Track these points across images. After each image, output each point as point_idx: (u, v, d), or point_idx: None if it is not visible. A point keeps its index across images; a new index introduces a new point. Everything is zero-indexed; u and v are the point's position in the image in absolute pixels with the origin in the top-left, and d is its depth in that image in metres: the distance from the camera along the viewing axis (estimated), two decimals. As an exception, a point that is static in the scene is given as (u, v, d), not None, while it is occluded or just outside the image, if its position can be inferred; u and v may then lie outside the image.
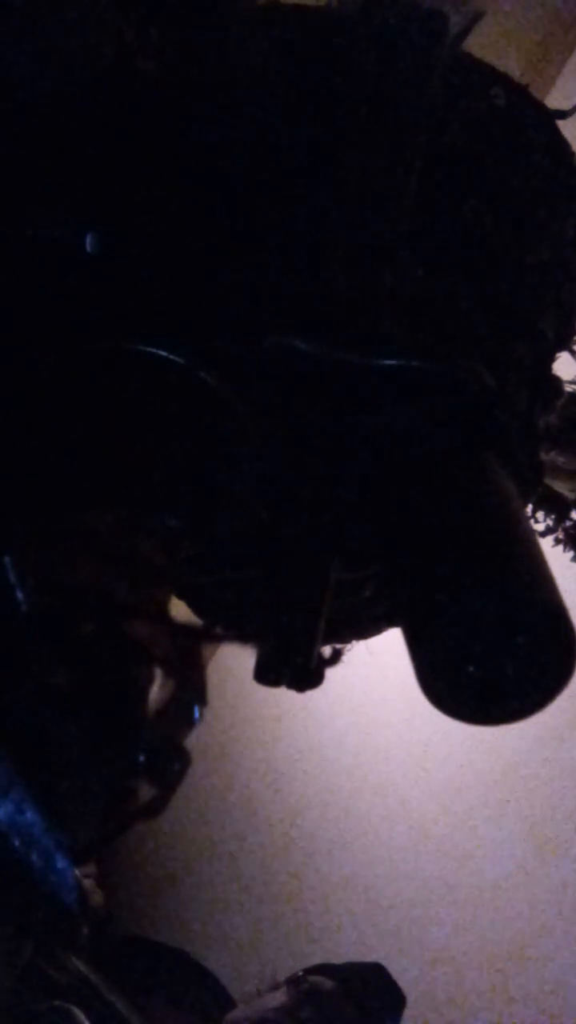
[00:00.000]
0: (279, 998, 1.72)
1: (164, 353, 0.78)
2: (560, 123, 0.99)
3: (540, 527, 1.31)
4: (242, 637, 0.91)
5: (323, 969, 1.80)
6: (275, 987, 1.79)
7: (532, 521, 1.29)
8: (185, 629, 0.89)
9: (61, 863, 0.72)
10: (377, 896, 2.49)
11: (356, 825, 2.59)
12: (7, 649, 0.75)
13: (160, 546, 0.85)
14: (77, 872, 0.75)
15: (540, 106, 0.98)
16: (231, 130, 0.83)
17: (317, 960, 1.91)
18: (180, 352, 0.78)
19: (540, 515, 1.31)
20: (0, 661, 0.75)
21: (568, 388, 1.07)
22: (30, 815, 0.71)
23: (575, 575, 1.05)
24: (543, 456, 1.07)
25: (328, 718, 2.67)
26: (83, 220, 0.78)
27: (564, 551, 1.32)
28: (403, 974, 1.90)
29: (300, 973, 1.77)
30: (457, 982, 2.26)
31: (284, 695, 0.87)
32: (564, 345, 1.07)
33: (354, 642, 1.04)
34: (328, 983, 1.73)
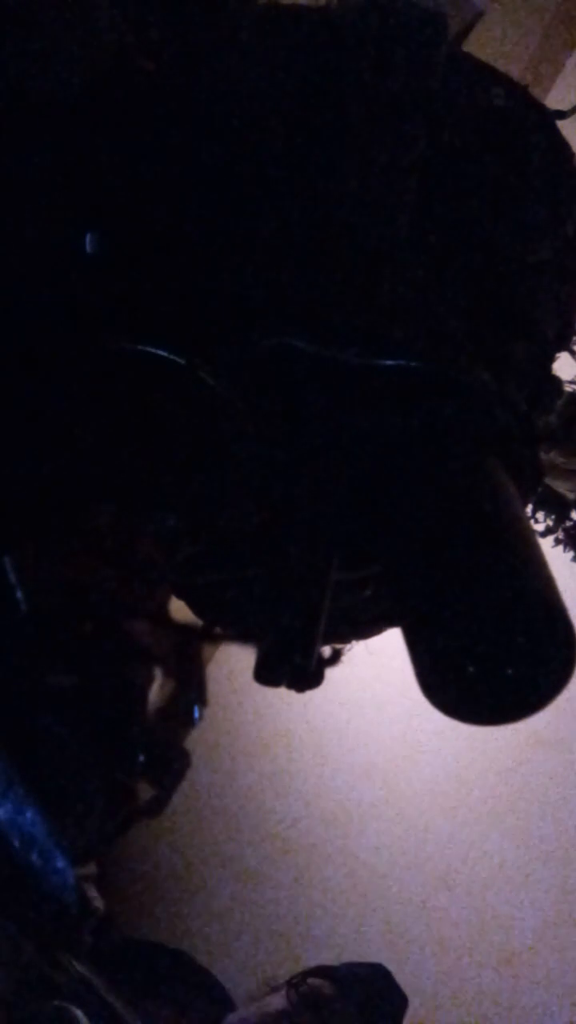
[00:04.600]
0: (279, 1001, 1.71)
1: (164, 353, 0.78)
2: (560, 123, 0.99)
3: (540, 527, 1.31)
4: (242, 637, 0.91)
5: (323, 971, 1.79)
6: (275, 989, 1.78)
7: (532, 521, 1.29)
8: (185, 629, 0.89)
9: (61, 863, 0.72)
10: (378, 896, 2.49)
11: (356, 825, 2.58)
12: (7, 649, 0.75)
13: (160, 546, 0.85)
14: (77, 872, 0.75)
15: (540, 106, 0.98)
16: (231, 130, 0.83)
17: (318, 960, 1.90)
18: (180, 352, 0.78)
19: (540, 515, 1.31)
20: (0, 661, 0.75)
21: (568, 388, 1.07)
22: (30, 815, 0.71)
23: (575, 575, 1.05)
24: (543, 456, 1.07)
25: (328, 718, 2.67)
26: (83, 220, 0.78)
27: (564, 551, 1.32)
28: (405, 975, 1.89)
29: (299, 976, 1.75)
30: (459, 983, 2.25)
31: (284, 695, 0.87)
32: (564, 345, 1.07)
33: (354, 642, 1.04)
34: (328, 986, 1.72)
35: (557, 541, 1.32)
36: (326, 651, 0.93)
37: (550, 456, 1.19)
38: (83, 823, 0.76)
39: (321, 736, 2.72)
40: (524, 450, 0.89)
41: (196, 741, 0.85)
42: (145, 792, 0.81)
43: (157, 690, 0.81)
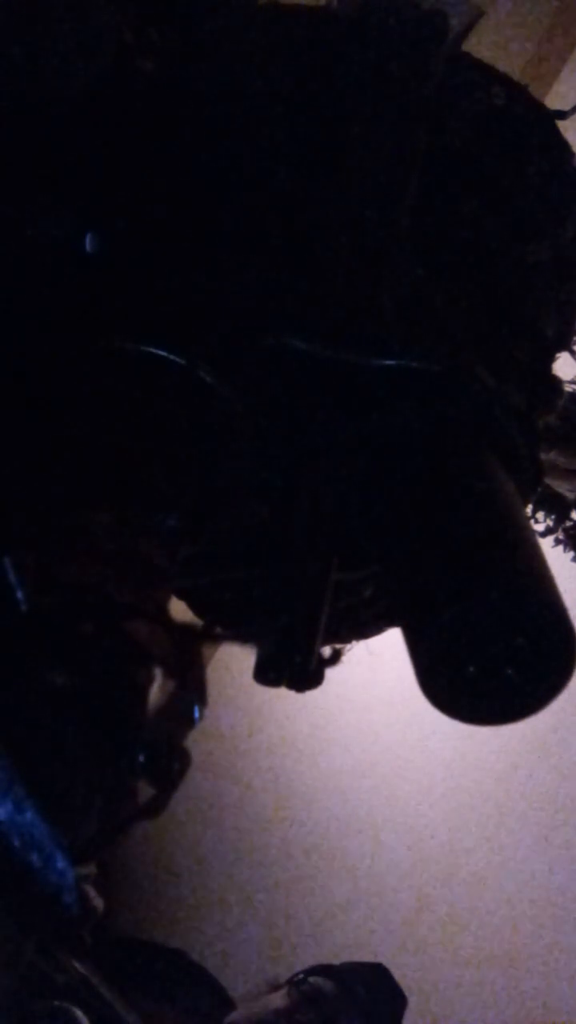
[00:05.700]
0: (279, 1000, 1.71)
1: (164, 353, 0.78)
2: (560, 123, 0.99)
3: (540, 527, 1.31)
4: (242, 637, 0.91)
5: (323, 970, 1.79)
6: (275, 988, 1.78)
7: (532, 521, 1.29)
8: (185, 629, 0.89)
9: (61, 863, 0.72)
10: (378, 896, 2.49)
11: (356, 825, 2.58)
12: (7, 649, 0.75)
13: (160, 546, 0.85)
14: (77, 872, 0.75)
15: (540, 106, 0.98)
16: (231, 130, 0.83)
17: (318, 960, 1.91)
18: (180, 352, 0.78)
19: (540, 515, 1.31)
20: (0, 661, 0.75)
21: (568, 388, 1.07)
22: (30, 815, 0.71)
23: (575, 575, 1.05)
24: (543, 456, 1.07)
25: (328, 718, 2.67)
26: (83, 220, 0.78)
27: (564, 551, 1.32)
28: (405, 975, 1.89)
29: (300, 975, 1.76)
30: (459, 982, 2.25)
31: (284, 695, 0.87)
32: (564, 345, 1.07)
33: (354, 642, 1.04)
34: (328, 984, 1.72)
35: (557, 541, 1.32)
36: (326, 651, 0.93)
37: (550, 456, 1.19)
38: (83, 823, 0.76)
39: (321, 736, 2.72)
40: (524, 450, 0.89)
41: (196, 741, 0.85)
42: (145, 792, 0.81)
43: (157, 690, 0.81)
